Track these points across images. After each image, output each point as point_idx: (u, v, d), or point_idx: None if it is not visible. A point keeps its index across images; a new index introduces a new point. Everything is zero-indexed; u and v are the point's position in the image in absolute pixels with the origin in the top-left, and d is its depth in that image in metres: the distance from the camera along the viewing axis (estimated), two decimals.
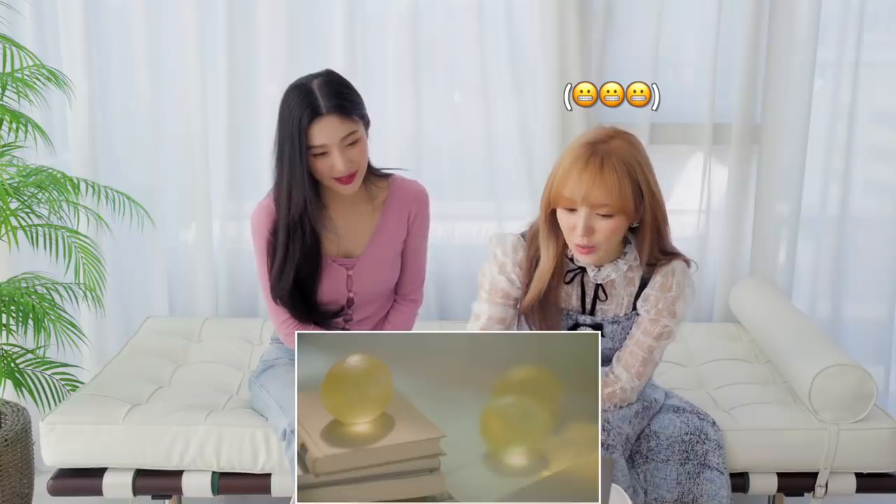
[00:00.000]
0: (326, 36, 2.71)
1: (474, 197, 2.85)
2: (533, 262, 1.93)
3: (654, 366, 1.97)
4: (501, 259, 1.95)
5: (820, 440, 2.13)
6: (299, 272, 2.08)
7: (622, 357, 1.95)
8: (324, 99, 1.97)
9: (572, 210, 1.80)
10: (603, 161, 1.76)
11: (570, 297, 1.95)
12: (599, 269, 1.91)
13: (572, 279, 1.94)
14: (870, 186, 2.91)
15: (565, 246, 1.89)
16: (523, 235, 1.97)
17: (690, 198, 2.84)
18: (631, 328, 1.96)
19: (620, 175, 1.76)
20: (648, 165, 1.82)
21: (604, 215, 1.78)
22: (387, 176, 2.18)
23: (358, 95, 2.05)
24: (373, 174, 2.14)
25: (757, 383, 2.39)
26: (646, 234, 1.85)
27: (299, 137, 1.96)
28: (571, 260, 1.93)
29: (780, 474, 2.15)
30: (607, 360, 1.98)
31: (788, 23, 2.69)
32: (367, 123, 2.06)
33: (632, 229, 1.89)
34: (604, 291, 1.94)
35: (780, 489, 2.16)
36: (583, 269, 1.93)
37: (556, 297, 1.92)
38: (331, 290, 2.13)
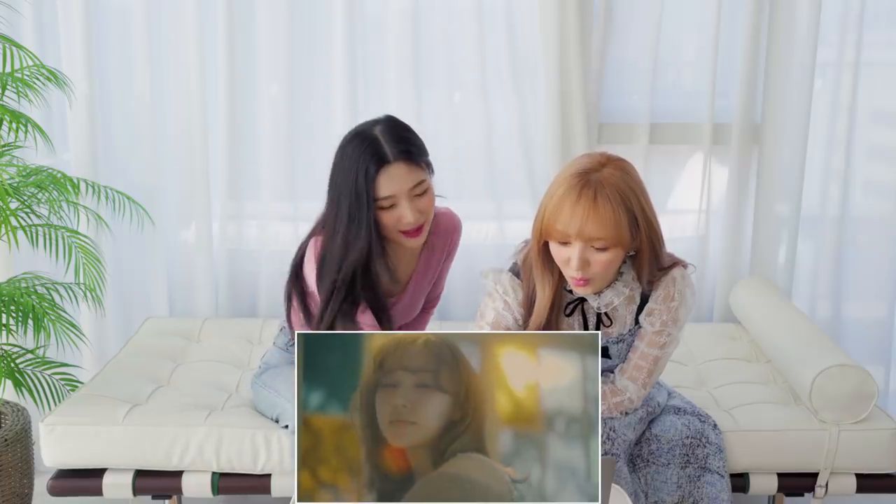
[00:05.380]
0: (326, 36, 2.71)
1: (474, 197, 2.84)
2: (531, 301, 1.86)
3: (659, 373, 1.95)
4: (503, 297, 1.88)
5: (820, 440, 2.13)
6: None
7: (626, 370, 1.92)
8: (389, 145, 1.84)
9: (566, 243, 1.73)
10: (596, 193, 1.68)
11: (573, 328, 1.89)
12: (599, 296, 1.85)
13: (572, 311, 1.88)
14: (870, 186, 2.91)
15: (561, 278, 1.82)
16: (515, 273, 1.89)
17: (690, 198, 2.84)
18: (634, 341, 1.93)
19: (615, 206, 1.68)
20: (643, 191, 1.74)
21: (599, 248, 1.71)
22: None
23: (421, 141, 1.93)
24: None
25: (757, 383, 2.39)
26: (644, 260, 1.79)
27: (366, 189, 1.81)
28: (570, 292, 1.86)
29: (780, 475, 2.15)
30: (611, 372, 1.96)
31: (788, 23, 2.69)
32: (432, 171, 1.94)
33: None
34: (608, 317, 1.89)
35: (780, 489, 2.16)
36: (582, 299, 1.88)
37: (556, 328, 1.86)
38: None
